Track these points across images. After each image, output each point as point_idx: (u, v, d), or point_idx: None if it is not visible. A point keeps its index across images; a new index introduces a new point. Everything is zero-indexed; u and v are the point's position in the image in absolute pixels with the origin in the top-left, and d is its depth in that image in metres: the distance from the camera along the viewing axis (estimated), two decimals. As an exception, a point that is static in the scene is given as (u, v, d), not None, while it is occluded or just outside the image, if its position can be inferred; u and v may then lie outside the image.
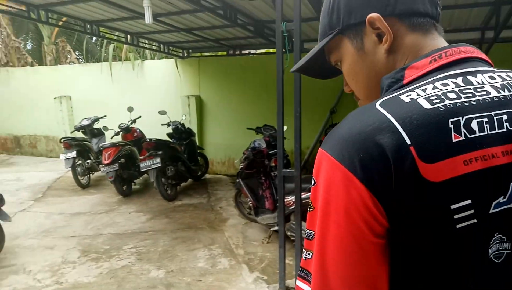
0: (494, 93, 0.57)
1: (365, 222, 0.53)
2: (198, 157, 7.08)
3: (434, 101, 0.55)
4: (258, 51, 8.19)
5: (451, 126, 0.53)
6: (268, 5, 4.80)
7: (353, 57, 0.70)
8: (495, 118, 0.55)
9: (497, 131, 0.54)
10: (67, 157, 6.41)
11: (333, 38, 0.71)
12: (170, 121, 6.72)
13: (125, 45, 8.93)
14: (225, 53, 8.11)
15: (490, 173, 0.53)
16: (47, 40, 12.20)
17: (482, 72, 0.60)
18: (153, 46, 7.66)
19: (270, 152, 4.54)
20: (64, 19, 6.80)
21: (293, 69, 0.82)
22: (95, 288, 3.36)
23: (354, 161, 0.53)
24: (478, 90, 0.57)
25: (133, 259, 3.90)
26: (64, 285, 3.41)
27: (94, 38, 12.52)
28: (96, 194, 6.39)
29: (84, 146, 6.79)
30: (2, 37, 12.51)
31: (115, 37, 7.28)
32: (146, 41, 7.37)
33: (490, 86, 0.58)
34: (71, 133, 7.91)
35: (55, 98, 9.18)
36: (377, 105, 0.57)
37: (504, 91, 0.57)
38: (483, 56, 0.64)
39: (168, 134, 6.78)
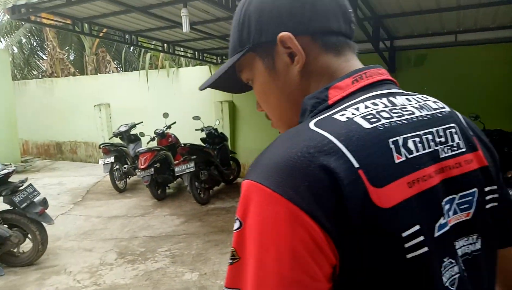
0: (417, 113, 0.56)
1: (318, 267, 0.44)
2: (231, 161, 7.13)
3: (372, 120, 0.51)
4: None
5: (392, 146, 0.50)
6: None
7: (264, 77, 0.65)
8: (423, 137, 0.54)
9: (427, 150, 0.53)
10: (106, 162, 6.64)
11: (243, 55, 0.65)
12: (204, 126, 6.82)
13: (161, 54, 9.18)
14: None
15: (429, 194, 0.51)
16: (88, 51, 12.81)
17: (400, 94, 0.59)
18: (188, 54, 7.83)
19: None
20: (104, 30, 7.12)
21: (202, 86, 0.74)
22: (131, 289, 3.43)
23: (300, 191, 0.45)
24: (403, 110, 0.56)
25: (168, 262, 3.95)
26: (102, 286, 3.50)
27: (132, 48, 12.98)
28: (132, 198, 6.56)
29: (121, 151, 7.01)
30: (49, 49, 13.27)
31: (152, 46, 7.52)
32: (182, 49, 7.56)
33: (411, 106, 0.57)
34: (109, 139, 8.20)
35: (94, 105, 9.58)
36: (312, 126, 0.51)
37: (424, 111, 0.58)
38: (392, 78, 0.63)
39: (202, 139, 6.87)
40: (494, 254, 0.63)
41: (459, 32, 5.76)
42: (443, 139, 0.56)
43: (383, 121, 0.52)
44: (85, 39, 12.45)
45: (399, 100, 0.57)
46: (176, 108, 7.97)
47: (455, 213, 0.55)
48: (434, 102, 0.62)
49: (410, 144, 0.52)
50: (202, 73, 8.45)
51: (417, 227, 0.48)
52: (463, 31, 5.72)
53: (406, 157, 0.50)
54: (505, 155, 4.75)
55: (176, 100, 8.53)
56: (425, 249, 0.48)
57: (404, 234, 0.47)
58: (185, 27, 4.10)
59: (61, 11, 4.83)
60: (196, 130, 6.87)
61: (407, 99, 0.59)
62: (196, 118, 6.72)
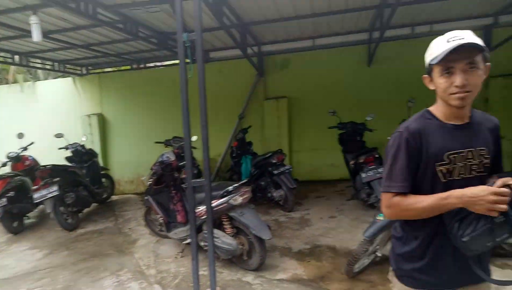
0: None
1: None
2: (103, 179, 6.60)
3: None
4: (165, 63, 7.94)
5: None
6: (170, 16, 4.68)
7: None
8: None
9: None
10: None
11: None
12: (69, 144, 6.15)
13: (12, 66, 8.01)
14: (128, 67, 7.73)
15: None
16: None
17: None
18: (46, 66, 6.98)
19: (180, 164, 4.29)
20: None
21: None
22: None
23: None
24: None
25: (24, 303, 3.31)
26: None
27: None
28: (-22, 236, 5.44)
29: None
30: None
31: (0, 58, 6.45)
32: (39, 60, 6.70)
33: None
34: None
35: None
36: None
37: None
38: None
39: (67, 158, 6.16)
40: None
41: (316, 37, 6.33)
42: None
43: None
44: None
45: None
46: (34, 127, 7.15)
47: None
48: None
49: None
50: (64, 85, 7.75)
51: None
52: (319, 36, 6.30)
53: None
54: (357, 143, 5.34)
55: (34, 118, 7.63)
56: None
57: None
58: (36, 36, 3.73)
59: None
60: (59, 148, 6.11)
61: None
62: (59, 135, 6.02)
